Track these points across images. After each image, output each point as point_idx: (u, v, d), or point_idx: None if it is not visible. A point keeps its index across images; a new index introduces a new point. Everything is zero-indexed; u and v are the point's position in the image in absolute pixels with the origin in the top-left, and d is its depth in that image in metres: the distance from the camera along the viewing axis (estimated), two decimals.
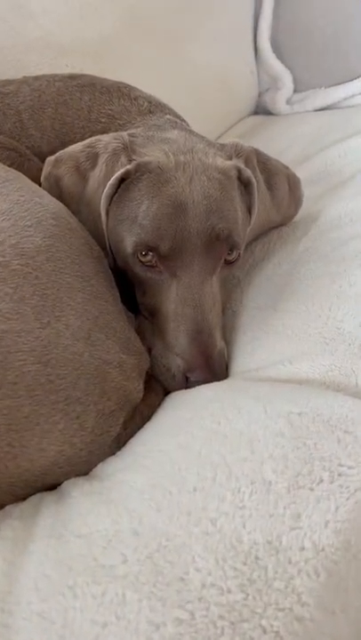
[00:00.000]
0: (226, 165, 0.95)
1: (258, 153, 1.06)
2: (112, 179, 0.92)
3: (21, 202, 0.88)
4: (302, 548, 0.58)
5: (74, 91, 1.13)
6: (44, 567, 0.59)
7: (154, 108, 1.14)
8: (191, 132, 1.07)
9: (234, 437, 0.69)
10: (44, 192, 0.95)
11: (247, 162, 1.01)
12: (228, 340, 0.96)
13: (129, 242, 0.92)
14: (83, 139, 1.04)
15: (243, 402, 0.75)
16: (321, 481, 0.63)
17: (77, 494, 0.71)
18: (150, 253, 0.91)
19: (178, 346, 0.89)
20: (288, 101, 1.81)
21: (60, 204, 0.93)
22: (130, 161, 0.93)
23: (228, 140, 1.03)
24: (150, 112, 1.13)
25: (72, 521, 0.65)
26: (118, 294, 0.92)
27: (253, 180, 0.98)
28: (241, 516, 0.60)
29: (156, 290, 0.94)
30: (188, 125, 1.18)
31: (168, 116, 1.11)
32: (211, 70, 1.70)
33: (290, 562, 0.56)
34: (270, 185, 1.07)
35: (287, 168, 1.12)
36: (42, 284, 0.79)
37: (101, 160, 0.96)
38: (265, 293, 0.99)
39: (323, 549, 0.57)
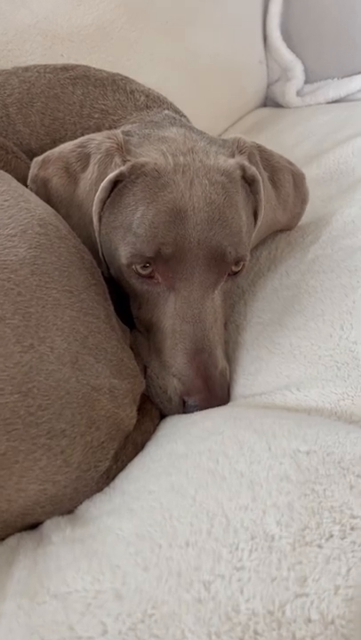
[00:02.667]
0: (229, 165, 0.88)
1: (261, 148, 0.99)
2: (104, 181, 0.85)
3: (5, 207, 0.81)
4: (308, 621, 0.50)
5: (66, 83, 1.05)
6: (13, 636, 0.52)
7: (151, 102, 1.07)
8: (191, 128, 0.99)
9: (233, 480, 0.62)
10: (32, 195, 0.87)
11: (250, 158, 0.94)
12: (231, 357, 0.88)
13: (123, 252, 0.86)
14: (74, 136, 0.97)
15: (244, 436, 0.68)
16: (331, 536, 0.56)
17: (58, 540, 0.64)
18: (147, 264, 0.84)
19: (175, 366, 0.83)
20: (299, 93, 1.73)
21: (49, 208, 0.86)
22: (124, 162, 0.86)
23: (231, 135, 0.95)
24: (147, 107, 1.06)
25: (50, 576, 0.58)
26: (112, 308, 0.85)
27: (259, 178, 0.91)
28: (239, 579, 0.53)
29: (153, 303, 0.87)
30: (188, 121, 1.10)
31: (166, 112, 1.04)
32: (216, 59, 1.63)
33: (294, 638, 0.49)
34: (275, 182, 1.00)
35: (291, 164, 1.05)
36: (25, 302, 0.73)
37: (93, 161, 0.89)
38: (271, 307, 0.91)
39: (332, 622, 0.50)
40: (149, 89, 1.11)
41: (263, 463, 0.63)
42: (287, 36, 1.73)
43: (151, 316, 0.87)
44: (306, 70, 1.74)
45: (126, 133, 0.92)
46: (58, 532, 0.65)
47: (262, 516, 0.58)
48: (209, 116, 1.53)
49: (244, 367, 0.85)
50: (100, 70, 1.10)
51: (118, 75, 1.10)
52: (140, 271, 0.85)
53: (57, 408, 0.69)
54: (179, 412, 0.82)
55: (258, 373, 0.82)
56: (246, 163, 0.91)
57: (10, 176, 0.89)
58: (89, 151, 0.90)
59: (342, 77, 1.70)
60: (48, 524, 0.68)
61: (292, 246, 1.01)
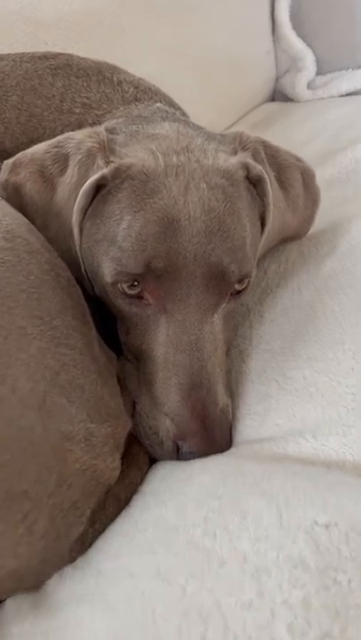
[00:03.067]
0: (230, 165, 0.77)
1: (266, 144, 0.88)
2: (85, 186, 0.74)
3: None
4: None
5: (45, 74, 0.94)
6: None
7: (141, 94, 0.96)
8: (186, 123, 0.88)
9: (234, 565, 0.49)
10: (2, 203, 0.75)
11: (255, 156, 0.82)
12: (234, 391, 0.76)
13: (107, 268, 0.74)
14: (53, 134, 0.86)
15: (249, 501, 0.56)
16: None
17: (19, 632, 0.52)
18: (134, 283, 0.73)
19: (168, 403, 0.71)
20: (310, 85, 1.63)
21: (20, 218, 0.74)
22: (107, 164, 0.74)
23: (231, 130, 0.83)
24: (137, 100, 0.94)
25: None
26: (94, 333, 0.73)
27: (266, 177, 0.81)
28: None
29: (143, 328, 0.75)
30: (183, 115, 0.98)
31: (158, 105, 0.92)
32: (219, 49, 1.53)
33: None
34: (282, 182, 0.89)
35: (299, 160, 0.94)
36: None
37: (72, 163, 0.77)
38: (280, 331, 0.78)
39: None
40: (140, 79, 1.00)
41: (272, 541, 0.51)
42: (297, 24, 1.64)
43: (141, 343, 0.76)
44: (317, 60, 1.66)
45: (111, 130, 0.81)
46: (19, 622, 0.53)
47: (270, 619, 0.45)
48: (212, 112, 1.43)
49: (250, 405, 0.72)
50: (85, 59, 0.98)
51: (105, 63, 0.99)
52: (127, 291, 0.73)
53: (18, 464, 0.56)
54: (171, 459, 0.70)
55: (266, 414, 0.70)
56: (251, 161, 0.80)
57: None
58: (67, 152, 0.78)
59: (357, 68, 1.61)
60: (9, 606, 0.57)
61: (305, 258, 0.88)
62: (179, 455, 0.69)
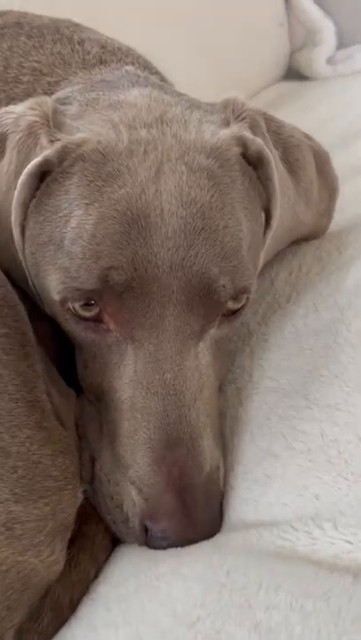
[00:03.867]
0: (219, 140, 0.61)
1: (267, 117, 0.71)
2: (23, 174, 0.58)
3: None
4: None
5: None
6: None
7: (108, 55, 0.78)
8: (163, 88, 0.70)
9: None
10: None
11: (253, 128, 0.66)
12: (227, 444, 0.58)
13: (54, 281, 0.57)
14: None
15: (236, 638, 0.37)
16: None
17: None
18: (89, 302, 0.56)
19: (134, 466, 0.54)
20: (329, 61, 1.47)
21: None
22: (52, 142, 0.58)
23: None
24: (101, 62, 0.77)
25: None
26: (36, 369, 0.55)
27: (268, 155, 0.64)
28: None
29: (103, 362, 0.59)
30: (163, 81, 0.81)
31: (128, 68, 0.74)
32: (228, 21, 1.39)
33: None
34: (291, 164, 0.73)
35: (309, 138, 0.78)
36: None
37: (11, 144, 0.61)
38: (290, 363, 0.60)
39: None
40: (109, 38, 0.82)
41: None
42: None
43: (101, 381, 0.59)
44: (338, 33, 1.49)
45: (62, 101, 0.64)
46: None
47: None
48: (215, 91, 1.24)
49: (247, 467, 0.54)
50: (42, 16, 0.83)
51: (67, 21, 0.82)
52: (80, 312, 0.57)
53: None
54: (139, 543, 0.53)
55: (268, 483, 0.51)
56: (248, 134, 0.63)
57: None
58: (4, 130, 0.62)
59: None
60: None
61: (324, 264, 0.70)
62: (148, 540, 0.52)
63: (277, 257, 0.74)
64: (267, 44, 1.51)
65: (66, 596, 0.49)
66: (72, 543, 0.51)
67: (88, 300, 0.56)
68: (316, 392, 0.55)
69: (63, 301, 0.57)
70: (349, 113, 1.16)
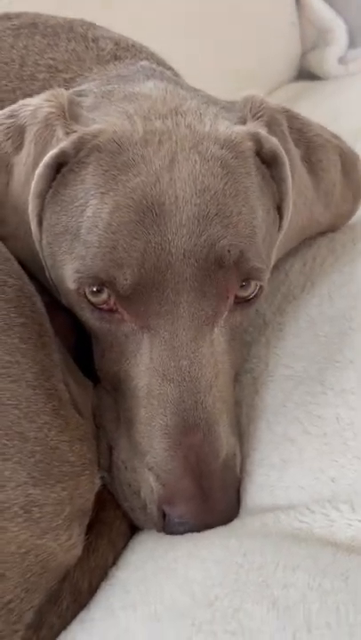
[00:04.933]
0: (234, 134, 0.60)
1: (290, 114, 0.70)
2: (40, 166, 0.58)
3: None
4: None
5: (5, 35, 0.79)
6: None
7: (122, 52, 0.79)
8: (178, 83, 0.70)
9: None
10: None
11: (270, 126, 0.65)
12: (244, 430, 0.58)
13: (69, 271, 0.58)
14: None
15: (255, 615, 0.37)
16: None
17: None
18: (105, 290, 0.56)
19: (151, 452, 0.54)
20: (341, 60, 1.46)
21: None
22: (68, 134, 0.58)
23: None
24: (116, 58, 0.77)
25: None
26: (53, 358, 0.55)
27: (283, 154, 0.64)
28: None
29: (119, 351, 0.59)
30: (177, 76, 0.81)
31: (143, 63, 0.75)
32: (239, 21, 1.37)
33: None
34: (313, 164, 0.72)
35: (338, 138, 0.77)
36: None
37: (29, 137, 0.62)
38: (306, 351, 0.60)
39: None
40: (122, 36, 0.83)
41: None
42: None
43: (118, 370, 0.59)
44: (349, 31, 1.48)
45: (78, 93, 0.65)
46: None
47: None
48: (225, 92, 1.24)
49: (264, 453, 0.54)
50: (56, 17, 0.83)
51: (80, 20, 0.83)
52: (95, 300, 0.57)
53: None
54: (157, 529, 0.53)
55: (285, 468, 0.51)
56: (263, 132, 0.62)
57: None
58: (22, 123, 0.63)
59: None
60: None
61: (338, 256, 0.70)
62: (166, 525, 0.52)
63: (292, 250, 0.74)
64: (279, 44, 1.49)
65: (85, 580, 0.49)
66: (90, 529, 0.51)
67: (102, 288, 0.56)
68: (331, 377, 0.55)
69: (79, 290, 0.57)
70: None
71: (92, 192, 0.56)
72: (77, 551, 0.48)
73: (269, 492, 0.50)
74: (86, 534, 0.50)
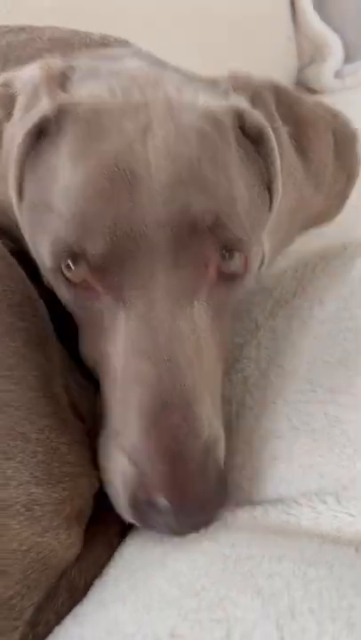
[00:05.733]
0: (213, 106, 0.59)
1: (279, 89, 0.67)
2: (21, 134, 0.57)
3: None
4: None
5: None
6: None
7: (111, 41, 0.79)
8: (165, 65, 0.69)
9: None
10: None
11: (256, 101, 0.62)
12: (233, 426, 0.58)
13: (45, 247, 0.56)
14: None
15: (239, 603, 0.38)
16: None
17: None
18: (79, 264, 0.55)
19: (125, 433, 0.51)
20: (338, 74, 1.49)
21: None
22: (53, 102, 0.57)
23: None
24: (104, 45, 0.77)
25: None
26: (55, 362, 0.56)
27: (268, 131, 0.61)
28: None
29: (98, 331, 0.57)
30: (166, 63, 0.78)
31: (133, 49, 0.75)
32: (235, 35, 1.36)
33: None
34: (301, 142, 0.68)
35: (334, 114, 0.73)
36: None
37: (19, 104, 0.61)
38: (296, 351, 0.61)
39: None
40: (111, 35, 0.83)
41: None
42: (321, 5, 1.50)
43: (98, 352, 0.57)
44: (345, 46, 1.50)
45: (67, 69, 0.64)
46: None
47: None
48: None
49: (253, 447, 0.55)
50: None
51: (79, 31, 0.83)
52: (70, 276, 0.56)
53: None
54: (131, 517, 0.50)
55: (273, 463, 0.52)
56: (245, 106, 0.61)
57: None
58: (14, 91, 0.62)
59: None
60: None
61: (329, 261, 0.71)
62: (139, 516, 0.49)
63: (285, 256, 0.75)
64: (276, 58, 1.49)
65: (81, 578, 0.49)
66: (88, 528, 0.52)
67: (77, 261, 0.55)
68: (320, 376, 0.56)
69: (54, 266, 0.56)
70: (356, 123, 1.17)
71: (65, 160, 0.55)
72: (77, 549, 0.49)
73: (258, 487, 0.51)
74: (85, 533, 0.51)
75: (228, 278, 0.57)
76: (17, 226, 0.61)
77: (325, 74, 1.47)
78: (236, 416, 0.59)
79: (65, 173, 0.55)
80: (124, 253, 0.53)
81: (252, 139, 0.61)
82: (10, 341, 0.53)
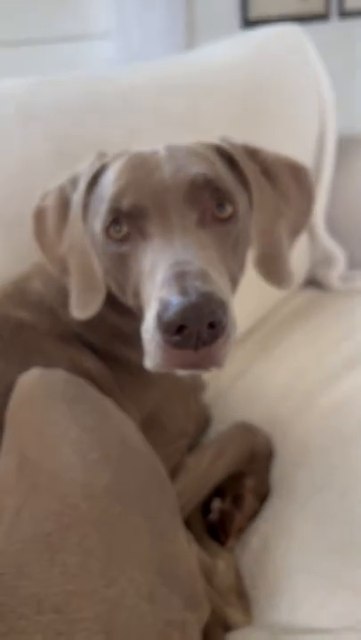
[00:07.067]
0: (202, 143, 0.91)
1: (247, 145, 0.96)
2: (82, 181, 0.91)
3: (90, 428, 0.83)
4: None
5: None
6: None
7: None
8: None
9: None
10: (110, 404, 0.88)
11: (225, 142, 0.94)
12: None
13: (98, 224, 0.87)
14: None
15: None
16: None
17: None
18: (121, 223, 0.83)
19: (153, 292, 0.75)
20: (342, 278, 1.73)
21: (125, 418, 0.87)
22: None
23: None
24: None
25: None
26: (180, 519, 0.85)
27: (237, 153, 0.91)
28: None
29: (130, 266, 0.83)
30: None
31: None
32: None
33: None
34: (269, 174, 0.94)
35: (288, 158, 0.99)
36: (109, 532, 0.73)
37: (84, 178, 0.92)
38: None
39: None
40: None
41: None
42: (329, 221, 1.73)
43: (133, 282, 0.83)
44: (350, 257, 1.73)
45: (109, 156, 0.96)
46: None
47: None
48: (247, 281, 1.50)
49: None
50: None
51: None
52: (116, 235, 0.84)
53: None
54: (161, 340, 0.71)
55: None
56: (219, 142, 0.92)
57: (89, 387, 0.88)
58: (80, 172, 0.94)
59: None
60: None
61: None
62: (167, 336, 0.69)
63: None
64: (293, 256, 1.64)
65: None
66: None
67: (116, 218, 0.82)
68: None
69: (104, 227, 0.83)
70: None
71: (113, 173, 0.86)
72: None
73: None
74: None
75: (223, 220, 0.82)
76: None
77: (332, 277, 1.69)
78: None
79: (110, 182, 0.85)
80: (147, 206, 0.79)
81: (230, 162, 0.90)
82: (163, 511, 0.80)
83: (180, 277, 0.69)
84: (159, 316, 0.69)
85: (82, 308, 0.88)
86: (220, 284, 0.72)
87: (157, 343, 0.70)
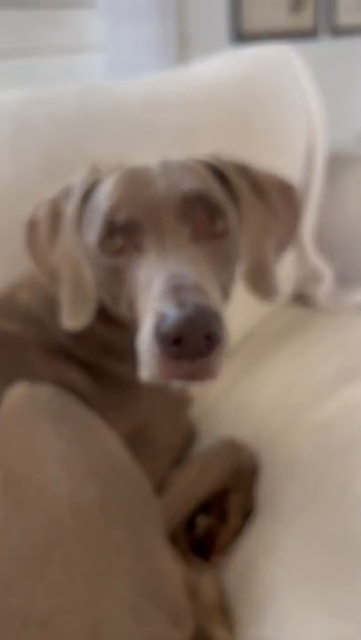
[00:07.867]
0: (194, 159, 0.93)
1: (236, 161, 0.98)
2: (77, 194, 0.92)
3: (75, 443, 0.84)
4: None
5: None
6: None
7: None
8: None
9: None
10: (96, 420, 0.89)
11: (216, 158, 0.96)
12: None
13: (93, 229, 0.88)
14: None
15: None
16: None
17: None
18: (115, 236, 0.85)
19: (152, 306, 0.75)
20: (328, 295, 1.73)
21: (111, 433, 0.88)
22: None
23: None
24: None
25: None
26: (167, 538, 0.86)
27: (228, 168, 0.93)
28: None
29: (124, 278, 0.83)
30: None
31: None
32: None
33: None
34: (257, 190, 0.96)
35: (276, 176, 1.01)
36: (93, 546, 0.76)
37: (78, 190, 0.93)
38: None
39: None
40: None
41: None
42: (320, 240, 1.74)
43: (127, 294, 0.83)
44: (337, 274, 1.74)
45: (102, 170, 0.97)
46: None
47: None
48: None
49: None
50: None
51: None
52: (111, 247, 0.85)
53: None
54: (156, 351, 0.72)
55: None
56: (210, 159, 0.94)
57: (75, 401, 0.90)
58: (74, 184, 0.95)
59: None
60: None
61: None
62: (158, 335, 0.70)
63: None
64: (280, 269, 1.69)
65: None
66: None
67: (111, 231, 0.83)
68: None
69: (99, 239, 0.84)
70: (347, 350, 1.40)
71: (108, 186, 0.87)
72: None
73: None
74: None
75: (215, 236, 0.84)
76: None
77: (318, 294, 1.71)
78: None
79: (105, 194, 0.86)
80: (141, 220, 0.81)
81: (220, 177, 0.92)
82: (147, 527, 0.83)
83: (176, 290, 0.71)
84: (156, 328, 0.70)
85: (73, 318, 0.88)
86: (213, 297, 0.74)
87: (154, 354, 0.71)
